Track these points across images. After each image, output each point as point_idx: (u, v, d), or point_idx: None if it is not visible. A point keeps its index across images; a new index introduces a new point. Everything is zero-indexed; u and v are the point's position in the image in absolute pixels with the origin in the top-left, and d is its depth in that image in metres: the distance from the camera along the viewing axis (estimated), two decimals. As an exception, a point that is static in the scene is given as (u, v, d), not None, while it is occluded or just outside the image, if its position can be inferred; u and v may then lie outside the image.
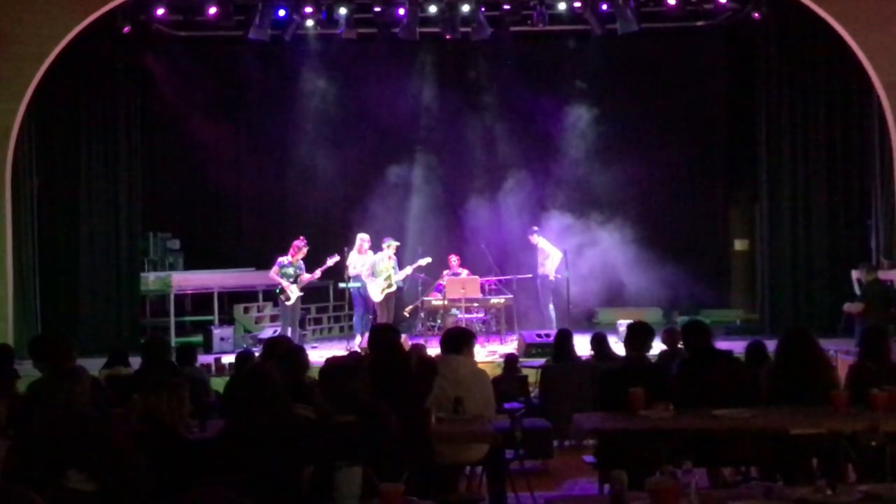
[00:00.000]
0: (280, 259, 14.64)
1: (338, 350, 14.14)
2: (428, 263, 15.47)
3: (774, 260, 16.24)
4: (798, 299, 15.93)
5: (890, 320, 11.98)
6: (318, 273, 14.69)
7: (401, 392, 6.19)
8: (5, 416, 5.40)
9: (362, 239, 15.34)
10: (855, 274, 14.47)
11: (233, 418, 5.07)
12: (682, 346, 8.23)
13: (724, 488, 6.56)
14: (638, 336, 7.49)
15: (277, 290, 14.72)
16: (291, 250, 14.64)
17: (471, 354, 7.53)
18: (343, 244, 15.39)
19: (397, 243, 15.44)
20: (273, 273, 14.65)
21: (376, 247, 15.35)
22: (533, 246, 16.20)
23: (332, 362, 5.48)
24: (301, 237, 14.79)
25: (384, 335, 7.28)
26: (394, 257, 15.27)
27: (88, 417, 4.12)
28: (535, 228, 16.25)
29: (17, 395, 6.61)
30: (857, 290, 14.18)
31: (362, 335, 14.57)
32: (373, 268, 15.12)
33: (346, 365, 5.60)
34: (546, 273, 15.90)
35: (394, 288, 15.23)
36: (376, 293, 15.09)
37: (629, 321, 8.63)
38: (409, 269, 15.36)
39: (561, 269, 15.80)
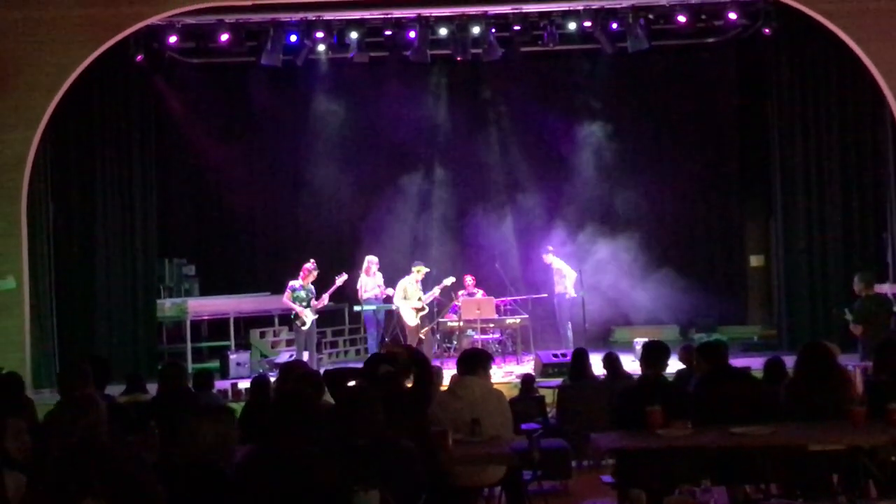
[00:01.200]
0: (291, 283, 14.64)
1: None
2: (452, 283, 15.53)
3: (790, 275, 16.17)
4: (815, 314, 15.83)
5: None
6: (325, 298, 14.67)
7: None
8: (28, 447, 5.36)
9: (370, 261, 15.37)
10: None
11: (268, 443, 4.99)
12: (696, 365, 8.18)
13: (744, 506, 6.54)
14: (653, 355, 7.50)
15: (293, 316, 14.72)
16: (302, 273, 14.64)
17: (487, 375, 7.51)
18: (357, 266, 15.44)
19: (427, 269, 15.45)
20: (286, 298, 14.64)
21: (397, 269, 15.40)
22: (547, 265, 16.19)
23: (346, 389, 5.46)
24: (311, 260, 14.80)
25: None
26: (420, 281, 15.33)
27: (105, 446, 4.11)
28: (550, 248, 16.23)
29: (38, 424, 6.61)
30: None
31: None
32: (404, 291, 15.18)
33: (361, 389, 5.59)
34: (563, 291, 15.87)
35: (426, 311, 15.26)
36: (411, 317, 15.14)
37: (645, 340, 8.61)
38: (436, 290, 15.41)
39: (577, 288, 15.78)
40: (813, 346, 7.60)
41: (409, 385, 7.01)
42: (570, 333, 15.75)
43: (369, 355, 14.81)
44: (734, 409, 6.97)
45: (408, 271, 15.74)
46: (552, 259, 16.08)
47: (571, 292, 15.81)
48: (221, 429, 4.78)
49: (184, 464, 4.69)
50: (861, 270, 13.40)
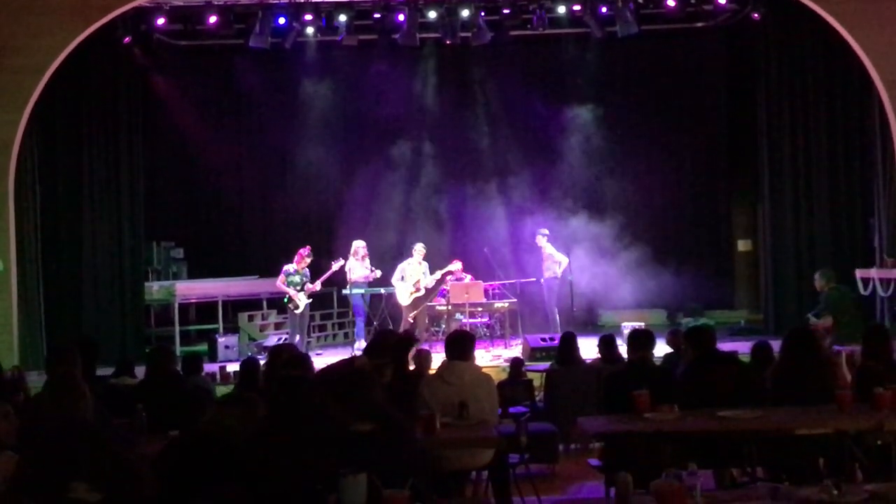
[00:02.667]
0: (286, 267, 14.72)
1: (343, 356, 14.10)
2: (458, 269, 15.56)
3: (778, 260, 16.20)
4: (802, 299, 15.85)
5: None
6: (318, 284, 14.76)
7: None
8: (15, 429, 5.35)
9: (358, 246, 15.40)
10: (858, 273, 14.46)
11: (271, 425, 4.96)
12: (683, 349, 8.21)
13: (732, 489, 6.56)
14: (638, 341, 7.56)
15: (286, 300, 14.76)
16: (296, 258, 14.71)
17: (474, 358, 7.54)
18: (346, 249, 15.44)
19: (424, 251, 15.48)
20: (280, 282, 14.72)
21: (385, 253, 15.40)
22: (538, 249, 16.17)
23: (339, 370, 5.43)
24: (307, 246, 14.85)
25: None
26: (424, 262, 15.35)
27: (92, 428, 4.11)
28: (546, 232, 16.12)
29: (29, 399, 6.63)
30: (863, 290, 14.18)
31: (366, 341, 14.58)
32: (402, 272, 15.23)
33: (362, 372, 5.58)
34: (553, 276, 15.87)
35: (423, 292, 15.29)
36: (404, 297, 15.19)
37: (633, 324, 8.63)
38: (438, 274, 15.42)
39: (566, 274, 15.80)
40: (799, 330, 7.64)
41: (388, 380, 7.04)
42: (557, 317, 15.77)
43: (356, 342, 15.04)
44: (721, 393, 7.00)
45: (397, 254, 15.70)
46: (544, 243, 16.04)
47: (559, 276, 15.82)
48: (241, 412, 4.77)
49: (188, 442, 4.69)
50: (821, 269, 14.05)
